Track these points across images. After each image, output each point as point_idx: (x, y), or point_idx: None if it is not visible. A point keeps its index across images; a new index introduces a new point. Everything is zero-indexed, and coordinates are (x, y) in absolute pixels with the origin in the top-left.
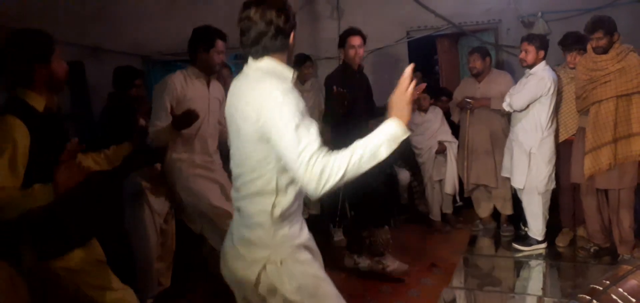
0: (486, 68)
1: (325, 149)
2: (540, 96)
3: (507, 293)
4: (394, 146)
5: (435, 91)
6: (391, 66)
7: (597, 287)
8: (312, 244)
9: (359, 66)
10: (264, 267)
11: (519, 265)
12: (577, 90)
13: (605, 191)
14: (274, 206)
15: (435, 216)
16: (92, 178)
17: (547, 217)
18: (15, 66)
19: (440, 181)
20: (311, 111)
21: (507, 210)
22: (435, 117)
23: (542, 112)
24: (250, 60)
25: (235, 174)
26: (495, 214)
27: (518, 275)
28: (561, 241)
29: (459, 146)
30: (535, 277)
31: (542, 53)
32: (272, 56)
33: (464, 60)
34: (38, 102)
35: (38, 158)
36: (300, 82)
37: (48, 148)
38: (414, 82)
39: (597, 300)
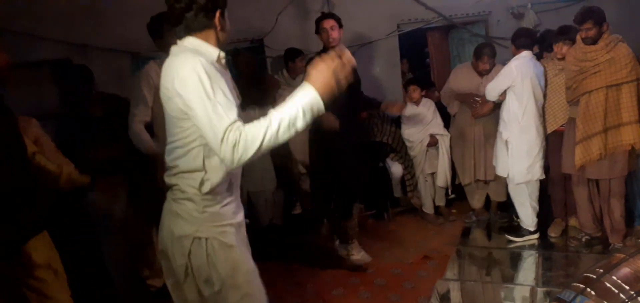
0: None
1: (241, 122)
2: (511, 87)
3: (500, 284)
4: (311, 116)
5: (426, 83)
6: (382, 60)
7: (591, 275)
8: (243, 232)
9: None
10: (192, 242)
11: (512, 256)
12: (567, 81)
13: (596, 181)
14: (202, 182)
15: (428, 208)
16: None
17: (537, 207)
18: None
19: (433, 174)
20: None
21: (499, 197)
22: (427, 110)
23: (513, 102)
24: (177, 40)
25: (167, 153)
26: (487, 204)
27: (511, 266)
28: (553, 232)
29: (455, 139)
30: (528, 267)
31: (516, 51)
32: (196, 35)
33: (455, 52)
34: None
35: None
36: (291, 77)
37: None
38: (346, 55)
39: (591, 289)
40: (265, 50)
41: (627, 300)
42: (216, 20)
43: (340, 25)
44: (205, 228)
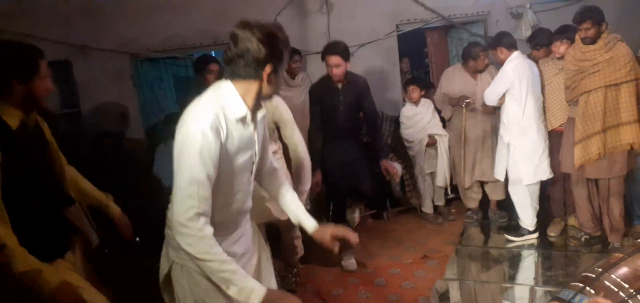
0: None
1: (207, 216)
2: (509, 89)
3: (499, 284)
4: (238, 296)
5: (425, 83)
6: (381, 60)
7: (590, 274)
8: (244, 261)
9: (343, 81)
10: (172, 266)
11: (511, 255)
12: (566, 80)
13: (595, 181)
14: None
15: (427, 208)
16: None
17: (537, 207)
18: None
19: (432, 174)
20: (302, 106)
21: (498, 195)
22: (426, 110)
23: (512, 104)
24: (222, 78)
25: None
26: (482, 202)
27: (510, 265)
28: (552, 231)
29: (453, 142)
30: (527, 267)
31: (507, 52)
32: (238, 82)
33: (454, 52)
34: (12, 118)
35: (13, 175)
36: (290, 76)
37: (24, 165)
38: None
39: (590, 288)
40: None
41: (626, 299)
42: (265, 73)
43: (346, 59)
44: (183, 256)
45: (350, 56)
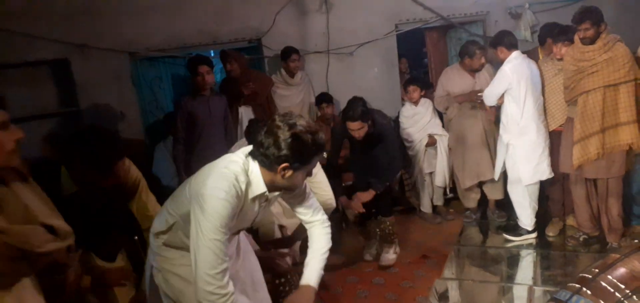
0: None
1: (230, 282)
2: (509, 90)
3: (498, 283)
4: None
5: (424, 83)
6: (380, 60)
7: (587, 275)
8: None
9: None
10: (152, 268)
11: (510, 255)
12: (565, 80)
13: (594, 181)
14: (159, 234)
15: (426, 208)
16: None
17: (536, 207)
18: None
19: (431, 174)
20: (301, 105)
21: (497, 195)
22: (425, 110)
23: (511, 104)
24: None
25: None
26: (481, 202)
27: (509, 265)
28: (551, 231)
29: (454, 143)
30: (525, 267)
31: (507, 52)
32: (262, 166)
33: (453, 52)
34: (68, 186)
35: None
36: (289, 75)
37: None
38: None
39: (586, 288)
40: (263, 50)
41: (622, 299)
42: (279, 168)
43: (366, 121)
44: (159, 261)
45: (369, 115)
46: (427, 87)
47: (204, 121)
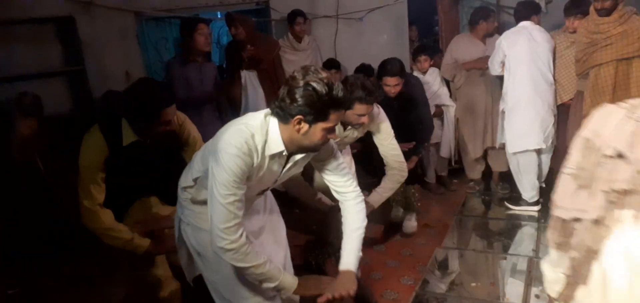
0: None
1: (243, 226)
2: (504, 59)
3: (499, 254)
4: (274, 289)
5: (434, 51)
6: (390, 27)
7: None
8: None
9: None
10: (180, 221)
11: (512, 226)
12: (577, 53)
13: None
14: (186, 188)
15: (430, 178)
16: None
17: (535, 180)
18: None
19: (436, 144)
20: None
21: (501, 167)
22: (433, 79)
23: (505, 74)
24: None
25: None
26: (485, 175)
27: (510, 236)
28: None
29: (462, 112)
30: (527, 238)
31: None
32: (279, 122)
33: (464, 20)
34: (127, 138)
35: (115, 174)
36: (296, 40)
37: (125, 170)
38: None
39: None
40: (271, 13)
41: None
42: (293, 122)
43: (403, 77)
44: (186, 214)
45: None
46: (436, 53)
47: (196, 87)
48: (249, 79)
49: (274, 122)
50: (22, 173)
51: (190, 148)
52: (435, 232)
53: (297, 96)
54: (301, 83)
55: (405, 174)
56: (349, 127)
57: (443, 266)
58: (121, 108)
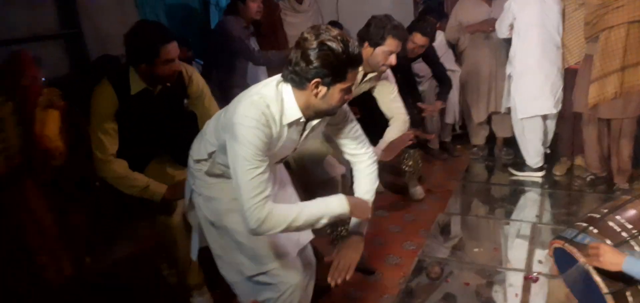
0: None
1: (270, 198)
2: (513, 22)
3: (501, 219)
4: (332, 220)
5: (440, 14)
6: None
7: (595, 215)
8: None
9: None
10: (192, 192)
11: (515, 192)
12: (586, 16)
13: (607, 121)
14: (200, 160)
15: (434, 144)
16: None
17: (539, 146)
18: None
19: (440, 110)
20: None
21: (504, 132)
22: (439, 44)
23: (514, 37)
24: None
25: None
26: (489, 140)
27: (513, 202)
28: (558, 170)
29: (466, 76)
30: (530, 204)
31: None
32: (293, 88)
33: None
34: (135, 86)
35: (126, 124)
36: (297, 1)
37: (134, 120)
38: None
39: (593, 227)
40: None
41: (628, 238)
42: (310, 86)
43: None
44: (198, 184)
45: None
46: (441, 18)
47: (244, 50)
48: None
49: (287, 89)
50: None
51: (200, 101)
52: (437, 198)
53: (312, 57)
54: (315, 44)
55: (408, 123)
56: (366, 78)
57: (446, 231)
58: (126, 54)
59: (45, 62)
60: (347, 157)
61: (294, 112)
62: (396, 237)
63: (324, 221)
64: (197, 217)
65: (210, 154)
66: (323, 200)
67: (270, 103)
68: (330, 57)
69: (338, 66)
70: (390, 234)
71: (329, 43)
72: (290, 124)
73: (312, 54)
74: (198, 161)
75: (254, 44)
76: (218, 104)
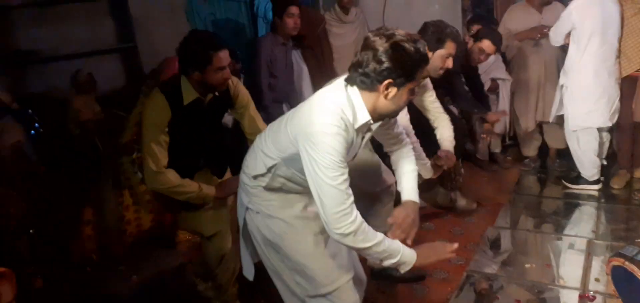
0: None
1: (357, 212)
2: (572, 30)
3: (554, 234)
4: (395, 265)
5: (489, 21)
6: None
7: None
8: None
9: None
10: (247, 210)
11: (569, 206)
12: None
13: None
14: (257, 176)
15: (483, 155)
16: None
17: (595, 158)
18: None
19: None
20: (355, 44)
21: (558, 143)
22: None
23: (572, 46)
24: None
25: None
26: (542, 152)
27: (567, 216)
28: (616, 183)
29: (516, 85)
30: (586, 219)
31: None
32: (362, 90)
33: None
34: (188, 96)
35: (177, 133)
36: (343, 11)
37: (185, 130)
38: (453, 248)
39: None
40: None
41: None
42: (381, 87)
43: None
44: (255, 202)
45: None
46: (491, 23)
47: (281, 71)
48: (294, 58)
49: (355, 92)
50: (80, 153)
51: (247, 111)
52: (487, 211)
53: (384, 58)
54: (386, 44)
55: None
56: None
57: (495, 245)
58: (180, 65)
59: (102, 76)
60: (387, 148)
61: (363, 115)
62: None
63: (392, 262)
64: (250, 235)
65: (270, 168)
66: (399, 244)
67: (344, 108)
68: (403, 58)
69: (411, 66)
70: None
71: (402, 43)
72: (359, 128)
73: (385, 55)
74: (256, 177)
75: (296, 57)
76: None
